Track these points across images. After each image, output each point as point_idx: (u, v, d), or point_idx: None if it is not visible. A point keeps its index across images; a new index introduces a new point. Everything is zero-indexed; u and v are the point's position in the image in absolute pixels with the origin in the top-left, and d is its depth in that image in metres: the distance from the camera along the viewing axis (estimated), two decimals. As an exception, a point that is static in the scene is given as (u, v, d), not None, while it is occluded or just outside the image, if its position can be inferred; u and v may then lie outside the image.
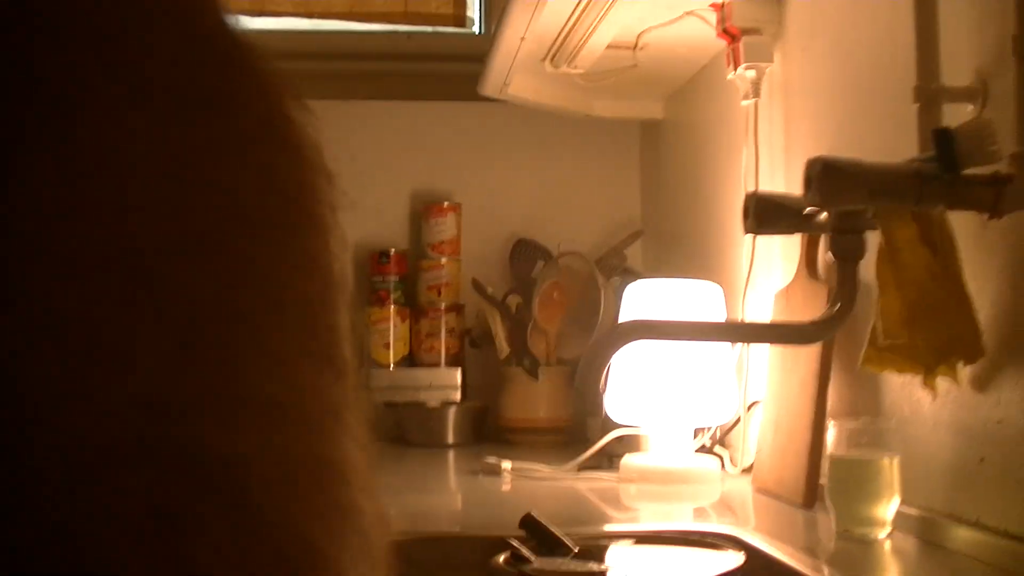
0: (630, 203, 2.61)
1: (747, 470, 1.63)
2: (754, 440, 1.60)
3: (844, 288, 1.07)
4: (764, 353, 1.60)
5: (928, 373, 1.04)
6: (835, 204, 1.02)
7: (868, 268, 1.11)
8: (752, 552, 1.08)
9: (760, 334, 1.47)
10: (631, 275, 2.30)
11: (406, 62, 2.66)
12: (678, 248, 2.29)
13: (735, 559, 1.03)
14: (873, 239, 1.09)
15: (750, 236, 1.64)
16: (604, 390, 1.11)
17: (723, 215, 1.88)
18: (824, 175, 0.96)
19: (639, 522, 1.43)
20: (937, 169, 0.92)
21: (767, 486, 1.49)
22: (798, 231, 1.22)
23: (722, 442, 1.77)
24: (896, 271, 1.01)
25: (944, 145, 0.91)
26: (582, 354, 1.11)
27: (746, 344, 1.70)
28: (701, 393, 1.66)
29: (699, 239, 2.07)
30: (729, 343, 1.64)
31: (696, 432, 1.76)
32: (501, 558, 1.04)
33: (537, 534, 1.08)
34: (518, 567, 1.01)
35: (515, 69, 1.97)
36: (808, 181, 0.99)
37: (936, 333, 1.00)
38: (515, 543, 1.04)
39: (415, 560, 1.18)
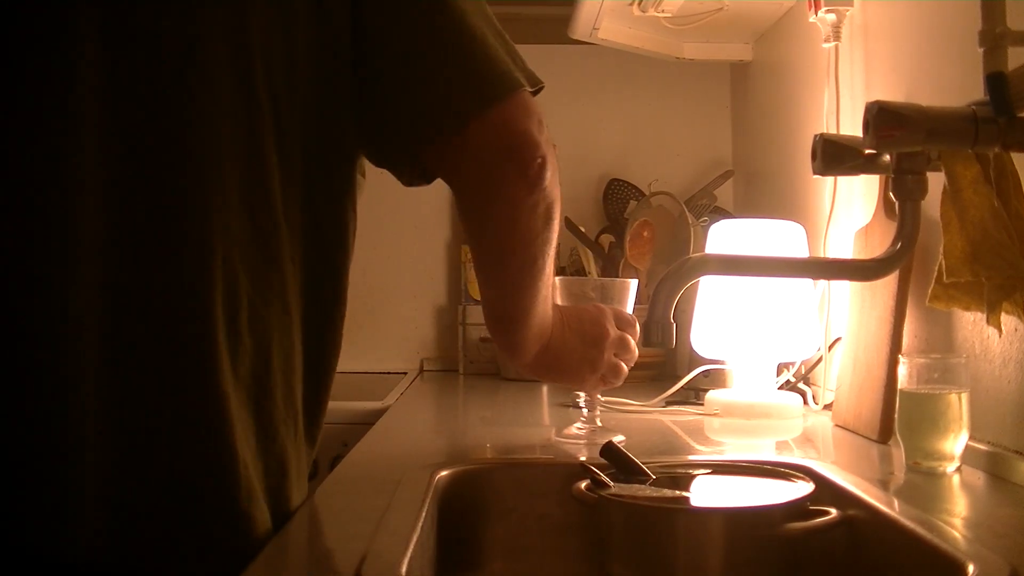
0: (721, 144, 2.63)
1: (829, 406, 1.67)
2: (835, 376, 1.64)
3: (905, 227, 1.09)
4: (845, 291, 1.63)
5: (992, 310, 1.07)
6: (891, 147, 1.04)
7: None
8: (822, 482, 1.12)
9: (823, 270, 1.49)
10: (721, 215, 2.33)
11: (498, 5, 2.69)
12: (766, 188, 2.30)
13: (805, 488, 1.06)
14: (939, 180, 1.12)
15: (832, 177, 1.67)
16: (673, 323, 1.15)
17: (807, 156, 1.91)
18: (879, 119, 0.99)
19: (720, 454, 1.47)
20: (992, 112, 0.95)
21: (846, 421, 1.53)
22: (863, 172, 1.25)
23: (806, 379, 1.81)
24: (959, 210, 1.03)
25: (997, 89, 0.93)
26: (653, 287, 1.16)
27: (815, 280, 1.73)
28: (784, 330, 1.70)
29: (785, 179, 2.09)
30: (794, 278, 1.66)
31: (780, 369, 1.81)
32: (582, 484, 1.09)
33: (617, 462, 1.12)
34: (597, 492, 1.06)
35: (603, 13, 2.00)
36: (866, 125, 1.02)
37: (998, 271, 1.03)
38: (595, 470, 1.09)
39: (502, 485, 1.25)
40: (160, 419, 0.90)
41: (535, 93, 1.07)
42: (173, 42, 0.93)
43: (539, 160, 1.04)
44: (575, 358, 1.28)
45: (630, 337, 1.34)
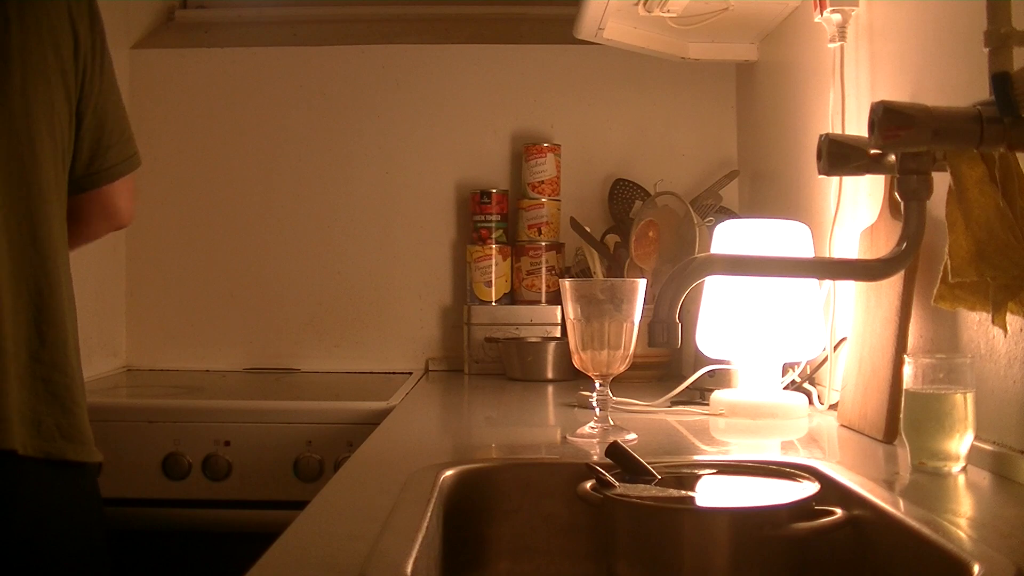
0: (726, 144, 2.63)
1: (834, 406, 1.67)
2: (841, 377, 1.64)
3: (910, 227, 1.09)
4: (851, 291, 1.63)
5: (997, 310, 1.06)
6: (897, 147, 1.04)
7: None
8: (827, 482, 1.12)
9: (829, 270, 1.49)
10: (726, 214, 2.33)
11: (503, 5, 2.70)
12: (772, 188, 2.30)
13: (810, 488, 1.06)
14: (944, 180, 1.11)
15: (837, 177, 1.66)
16: (679, 323, 1.15)
17: (812, 156, 1.91)
18: (885, 119, 0.99)
19: (725, 454, 1.47)
20: (997, 112, 0.95)
21: (851, 421, 1.53)
22: (868, 172, 1.25)
23: (812, 379, 1.81)
24: (964, 210, 1.03)
25: (1002, 88, 0.93)
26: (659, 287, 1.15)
27: (820, 280, 1.72)
28: (790, 330, 1.69)
29: (791, 179, 2.09)
30: (800, 278, 1.66)
31: (786, 369, 1.81)
32: (588, 484, 1.09)
33: (622, 462, 1.12)
34: (602, 492, 1.06)
35: (609, 13, 2.00)
36: (872, 124, 1.02)
37: (1004, 271, 1.03)
38: (601, 470, 1.09)
39: (507, 485, 1.25)
40: None
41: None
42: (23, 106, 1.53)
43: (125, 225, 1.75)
44: None
45: None
